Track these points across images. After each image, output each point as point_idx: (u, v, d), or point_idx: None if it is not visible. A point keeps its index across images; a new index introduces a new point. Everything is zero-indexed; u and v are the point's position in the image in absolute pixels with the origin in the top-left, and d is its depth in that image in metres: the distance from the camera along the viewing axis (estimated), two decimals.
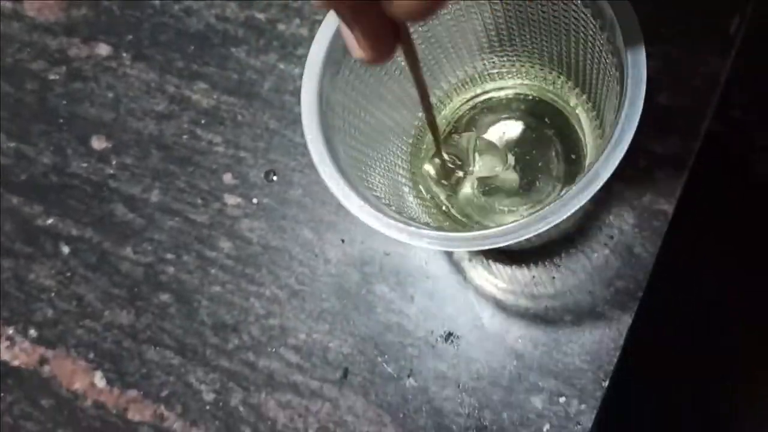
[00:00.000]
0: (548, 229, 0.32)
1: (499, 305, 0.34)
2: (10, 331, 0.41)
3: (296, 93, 0.39)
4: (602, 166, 0.22)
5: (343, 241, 0.37)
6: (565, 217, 0.22)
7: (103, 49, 0.42)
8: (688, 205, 0.32)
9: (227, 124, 0.39)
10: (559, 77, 0.31)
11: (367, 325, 0.35)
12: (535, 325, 0.33)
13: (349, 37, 0.21)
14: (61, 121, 0.42)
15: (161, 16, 0.42)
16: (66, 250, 0.41)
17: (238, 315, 0.37)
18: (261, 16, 0.40)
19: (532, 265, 0.34)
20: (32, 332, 0.40)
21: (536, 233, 0.22)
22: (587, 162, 0.31)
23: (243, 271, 0.38)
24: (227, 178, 0.39)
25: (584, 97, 0.31)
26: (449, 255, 0.35)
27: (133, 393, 0.38)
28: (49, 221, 0.41)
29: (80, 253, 0.40)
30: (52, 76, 0.43)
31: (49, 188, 0.42)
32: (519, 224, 0.23)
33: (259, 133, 0.39)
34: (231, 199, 0.39)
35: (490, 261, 0.35)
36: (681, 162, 0.33)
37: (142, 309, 0.39)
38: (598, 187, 0.22)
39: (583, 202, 0.22)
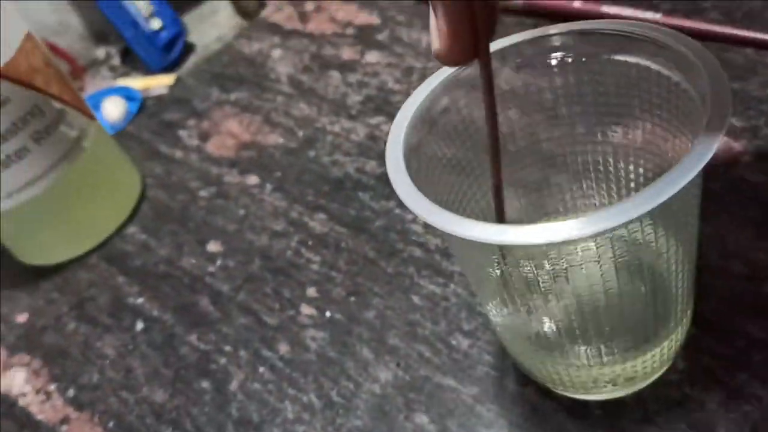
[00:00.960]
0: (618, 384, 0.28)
1: None
2: (52, 387, 0.40)
3: (402, 232, 0.40)
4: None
5: (398, 365, 0.34)
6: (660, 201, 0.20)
7: (252, 180, 0.47)
8: None
9: (330, 248, 0.41)
10: None
11: None
12: None
13: (434, 29, 0.23)
14: (191, 225, 0.46)
15: (311, 164, 0.46)
16: (140, 326, 0.41)
17: (266, 414, 0.35)
18: None
19: (595, 427, 0.29)
20: (70, 392, 0.40)
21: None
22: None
23: (289, 375, 0.36)
24: (311, 291, 0.39)
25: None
26: (503, 397, 0.31)
27: None
28: (138, 301, 0.43)
29: (150, 332, 0.41)
30: (202, 193, 0.48)
31: (154, 275, 0.44)
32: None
33: (355, 259, 0.40)
34: (306, 309, 0.38)
35: (543, 411, 0.30)
36: None
37: (179, 391, 0.37)
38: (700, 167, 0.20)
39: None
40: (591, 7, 0.46)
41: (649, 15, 0.44)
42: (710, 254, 0.33)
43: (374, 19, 0.56)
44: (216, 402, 0.36)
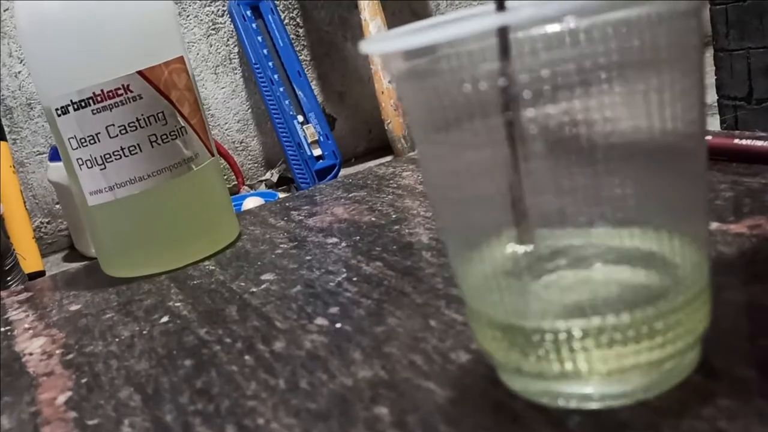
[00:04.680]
0: None
1: None
2: (58, 351, 0.39)
3: (448, 278, 0.36)
4: None
5: (383, 367, 0.29)
6: None
7: (332, 240, 0.46)
8: None
9: (372, 284, 0.38)
10: None
11: None
12: None
13: None
14: (259, 263, 0.45)
15: (390, 233, 0.45)
16: (164, 320, 0.40)
17: (226, 390, 0.30)
18: None
19: None
20: (69, 356, 0.38)
21: None
22: None
23: (269, 364, 0.32)
24: (333, 309, 0.36)
25: None
26: (481, 403, 0.25)
27: None
28: (176, 304, 0.42)
29: (169, 324, 0.39)
30: (282, 246, 0.48)
31: (202, 289, 0.43)
32: None
33: (389, 292, 0.36)
34: (320, 321, 0.35)
35: (521, 417, 0.23)
36: None
37: (161, 364, 0.34)
38: None
39: None
40: (725, 141, 0.43)
41: None
42: None
43: None
44: (187, 375, 0.33)
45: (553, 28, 0.20)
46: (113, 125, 0.46)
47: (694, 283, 0.23)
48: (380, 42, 0.21)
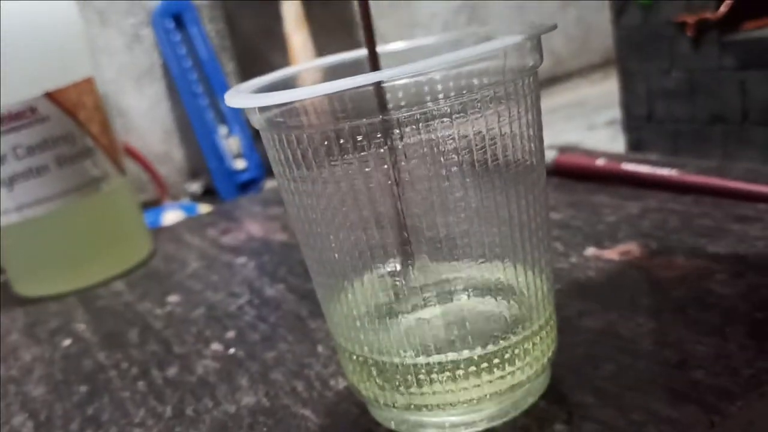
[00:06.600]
0: None
1: None
2: None
3: None
4: None
5: (267, 393, 0.30)
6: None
7: (241, 260, 0.47)
8: None
9: (270, 307, 0.39)
10: None
11: None
12: None
13: None
14: (166, 283, 0.46)
15: (298, 254, 0.46)
16: (66, 343, 0.40)
17: (116, 416, 0.31)
18: None
19: None
20: None
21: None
22: None
23: (160, 390, 0.33)
24: (230, 333, 0.37)
25: None
26: (351, 430, 0.26)
27: None
28: (80, 327, 0.42)
29: (71, 347, 0.39)
30: (193, 265, 0.48)
31: (107, 310, 0.43)
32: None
33: (286, 316, 0.37)
34: (215, 346, 0.36)
35: None
36: None
37: (57, 391, 0.35)
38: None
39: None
40: (613, 165, 0.45)
41: (665, 171, 0.42)
42: (643, 341, 0.28)
43: None
44: (81, 402, 0.33)
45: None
46: (20, 147, 0.46)
47: (541, 314, 0.24)
48: (239, 98, 0.22)
